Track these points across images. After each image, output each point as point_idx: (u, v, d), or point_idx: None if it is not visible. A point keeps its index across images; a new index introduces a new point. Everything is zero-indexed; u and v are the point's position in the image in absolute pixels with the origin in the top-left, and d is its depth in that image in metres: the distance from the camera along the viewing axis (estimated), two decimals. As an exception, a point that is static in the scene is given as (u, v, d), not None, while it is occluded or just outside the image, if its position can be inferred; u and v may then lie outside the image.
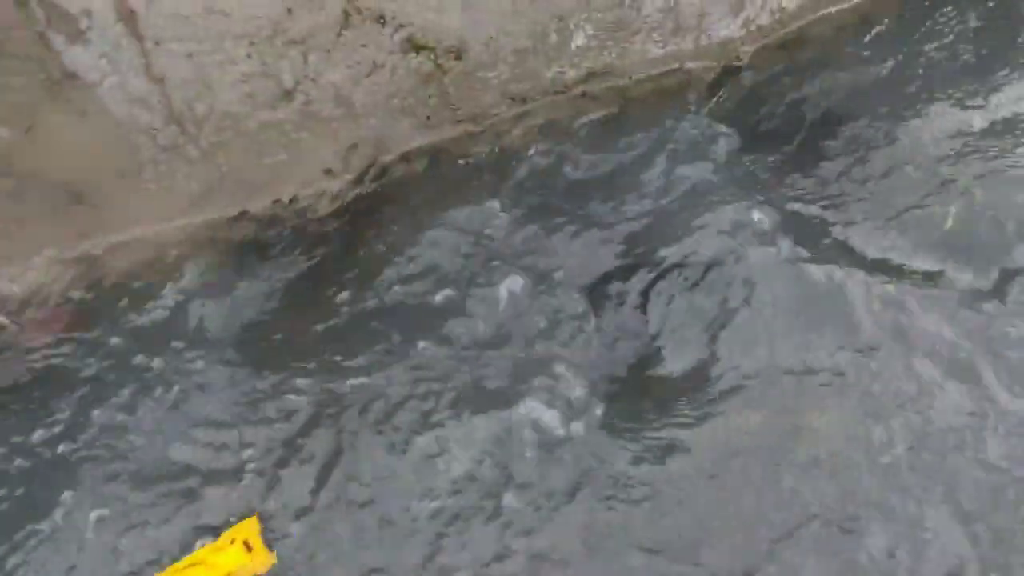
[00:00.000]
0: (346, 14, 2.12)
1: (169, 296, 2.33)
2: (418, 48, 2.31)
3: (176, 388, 2.19)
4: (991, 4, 3.18)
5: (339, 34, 2.15)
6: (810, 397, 2.25)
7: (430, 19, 2.26)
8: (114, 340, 2.24)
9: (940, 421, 2.24)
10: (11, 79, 1.81)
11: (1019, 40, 3.12)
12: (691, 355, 2.35)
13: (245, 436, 2.13)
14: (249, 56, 2.06)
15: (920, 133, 2.86)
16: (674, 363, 2.31)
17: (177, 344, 2.27)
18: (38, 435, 2.07)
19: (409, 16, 2.22)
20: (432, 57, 2.36)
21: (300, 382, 2.22)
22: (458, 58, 2.41)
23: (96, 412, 2.13)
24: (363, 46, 2.21)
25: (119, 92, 1.95)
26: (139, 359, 2.23)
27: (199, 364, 2.24)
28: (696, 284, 2.43)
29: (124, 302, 2.29)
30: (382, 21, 2.19)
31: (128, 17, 1.84)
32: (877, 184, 2.74)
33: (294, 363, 2.27)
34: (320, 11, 2.07)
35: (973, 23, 3.14)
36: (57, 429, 2.09)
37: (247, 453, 2.10)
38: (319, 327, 2.35)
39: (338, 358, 2.29)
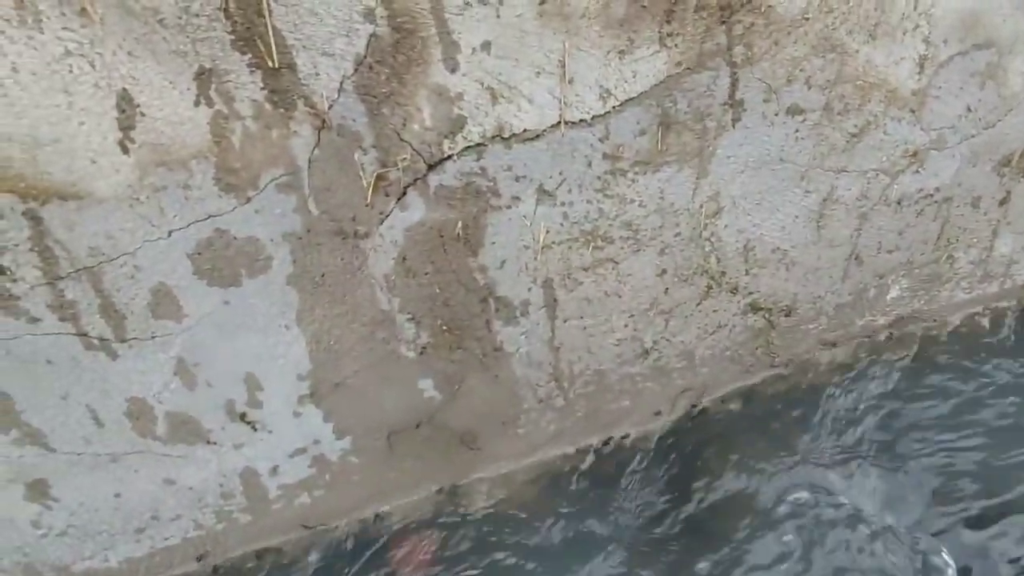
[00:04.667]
0: (708, 288, 2.38)
1: (540, 521, 2.54)
2: (757, 309, 2.53)
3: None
4: None
5: (698, 304, 2.41)
6: None
7: (776, 287, 2.48)
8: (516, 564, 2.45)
9: None
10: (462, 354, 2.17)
11: None
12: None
13: None
14: (626, 325, 2.35)
15: None
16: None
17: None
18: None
19: (759, 286, 2.45)
20: (767, 316, 2.56)
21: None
22: (788, 315, 2.59)
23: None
24: (715, 311, 2.45)
25: (525, 359, 2.27)
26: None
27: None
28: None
29: (495, 535, 2.51)
30: (735, 291, 2.43)
31: (551, 304, 2.18)
32: None
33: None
34: (690, 287, 2.35)
35: None
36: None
37: None
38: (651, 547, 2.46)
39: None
